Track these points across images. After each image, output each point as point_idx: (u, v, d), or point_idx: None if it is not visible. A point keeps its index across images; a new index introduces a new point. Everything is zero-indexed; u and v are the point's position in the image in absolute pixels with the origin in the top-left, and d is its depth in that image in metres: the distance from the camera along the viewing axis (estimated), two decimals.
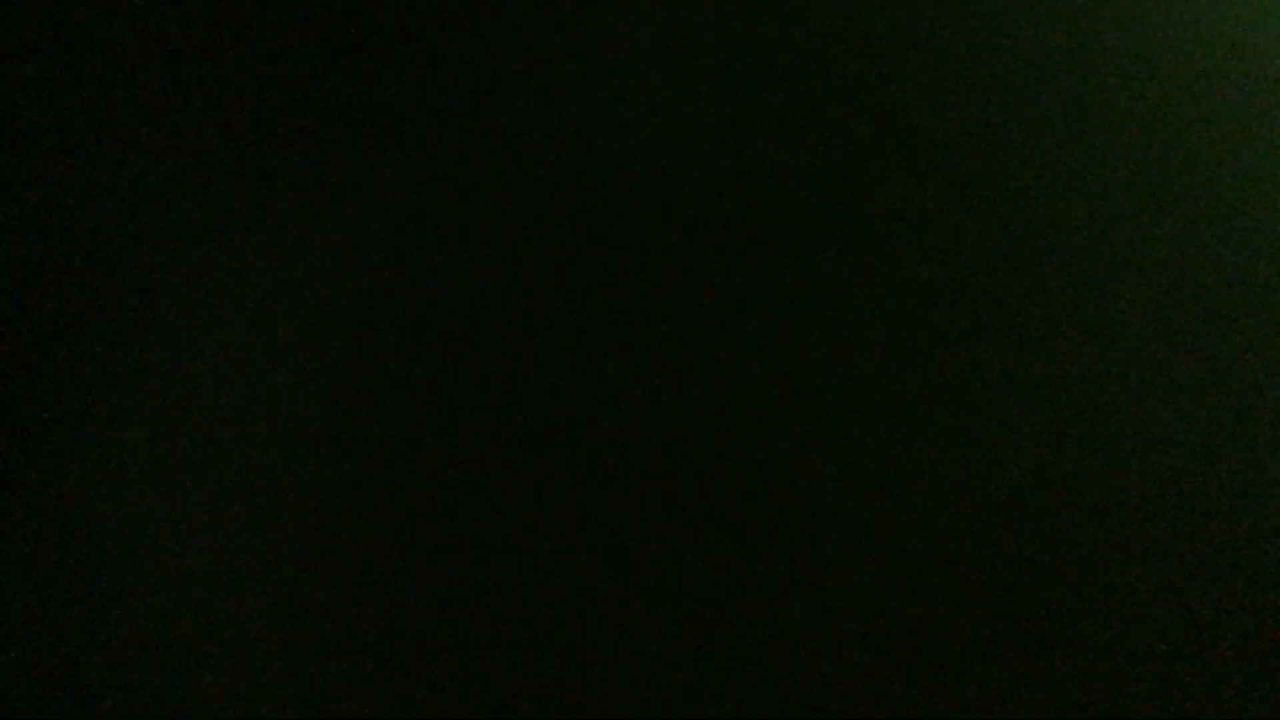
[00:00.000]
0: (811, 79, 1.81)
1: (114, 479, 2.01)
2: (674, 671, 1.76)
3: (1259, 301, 1.61)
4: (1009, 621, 1.64)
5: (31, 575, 2.01)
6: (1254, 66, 1.63)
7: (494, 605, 1.84)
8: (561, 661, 1.80)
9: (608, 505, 1.82)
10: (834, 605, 1.71)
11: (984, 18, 1.74)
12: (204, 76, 2.07)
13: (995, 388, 1.69)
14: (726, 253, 1.82)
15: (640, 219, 1.86)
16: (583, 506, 1.83)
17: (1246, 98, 1.63)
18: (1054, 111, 1.70)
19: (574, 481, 1.83)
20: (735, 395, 1.79)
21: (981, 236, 1.71)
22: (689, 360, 1.81)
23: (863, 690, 1.68)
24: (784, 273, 1.79)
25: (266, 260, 2.01)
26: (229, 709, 1.91)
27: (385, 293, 1.95)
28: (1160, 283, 1.65)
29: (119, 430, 2.02)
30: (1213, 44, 1.65)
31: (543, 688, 1.80)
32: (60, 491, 2.03)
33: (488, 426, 1.88)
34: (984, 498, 1.67)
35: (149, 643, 1.96)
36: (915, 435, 1.70)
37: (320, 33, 2.04)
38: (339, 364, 1.96)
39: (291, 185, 2.02)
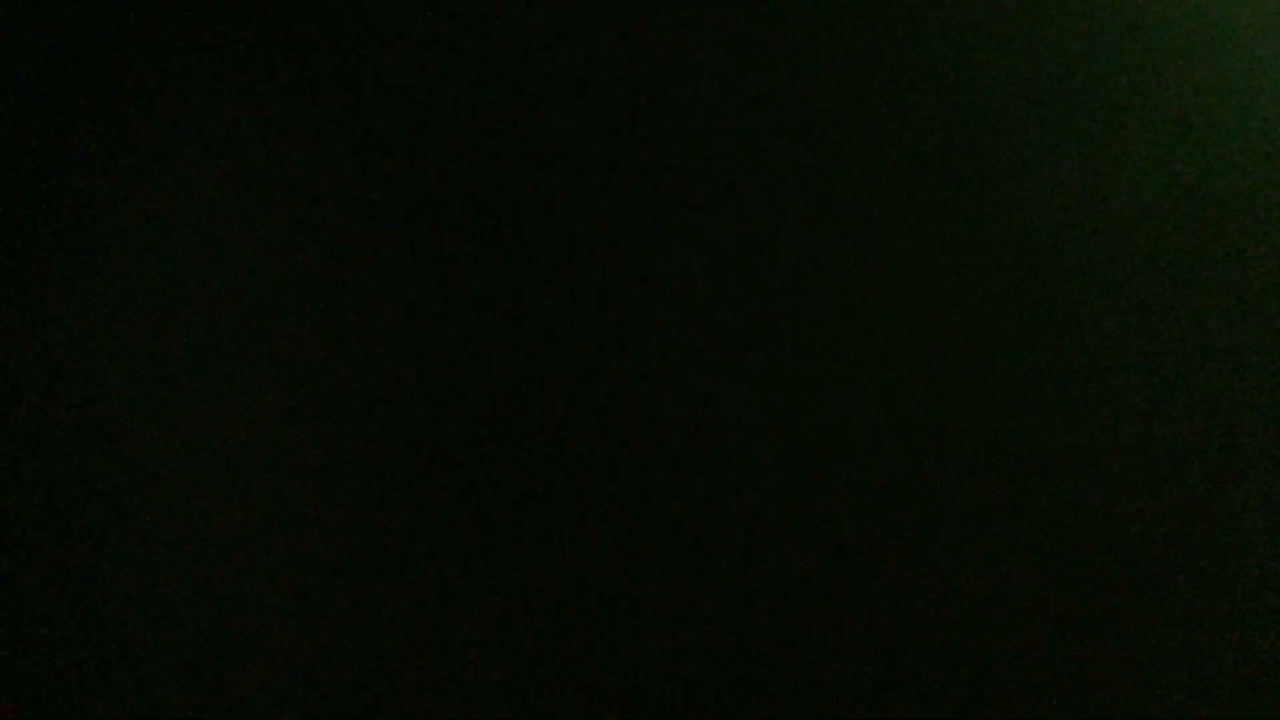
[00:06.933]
0: (816, 76, 1.81)
1: (107, 477, 2.02)
2: (670, 670, 1.76)
3: (1259, 301, 1.61)
4: (1010, 624, 1.64)
5: (30, 575, 2.02)
6: (1255, 66, 1.63)
7: (491, 603, 1.85)
8: (558, 660, 1.81)
9: (605, 501, 1.82)
10: (836, 604, 1.71)
11: (985, 18, 1.74)
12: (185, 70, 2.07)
13: (996, 386, 1.69)
14: (728, 251, 1.82)
15: (639, 215, 1.86)
16: (580, 501, 1.83)
17: (1248, 98, 1.63)
18: (1056, 110, 1.71)
19: (570, 477, 1.84)
20: (736, 393, 1.79)
21: (980, 236, 1.71)
22: (691, 357, 1.82)
23: (859, 689, 1.68)
24: (784, 269, 1.79)
25: (258, 255, 2.01)
26: (227, 709, 1.92)
27: (384, 290, 1.96)
28: (1161, 281, 1.65)
29: (111, 428, 2.03)
30: (1215, 44, 1.65)
31: (540, 687, 1.81)
32: (56, 492, 2.03)
33: (483, 426, 1.88)
34: (985, 495, 1.67)
35: (146, 643, 1.96)
36: (917, 437, 1.70)
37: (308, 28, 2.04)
38: (333, 362, 1.96)
39: (284, 177, 2.02)
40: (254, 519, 1.94)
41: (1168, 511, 1.60)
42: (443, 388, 1.90)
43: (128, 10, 2.04)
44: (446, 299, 1.91)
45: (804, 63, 1.81)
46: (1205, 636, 1.57)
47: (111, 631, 1.96)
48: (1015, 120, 1.71)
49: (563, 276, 1.87)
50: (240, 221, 2.02)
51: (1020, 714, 1.62)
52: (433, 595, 1.86)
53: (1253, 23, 1.62)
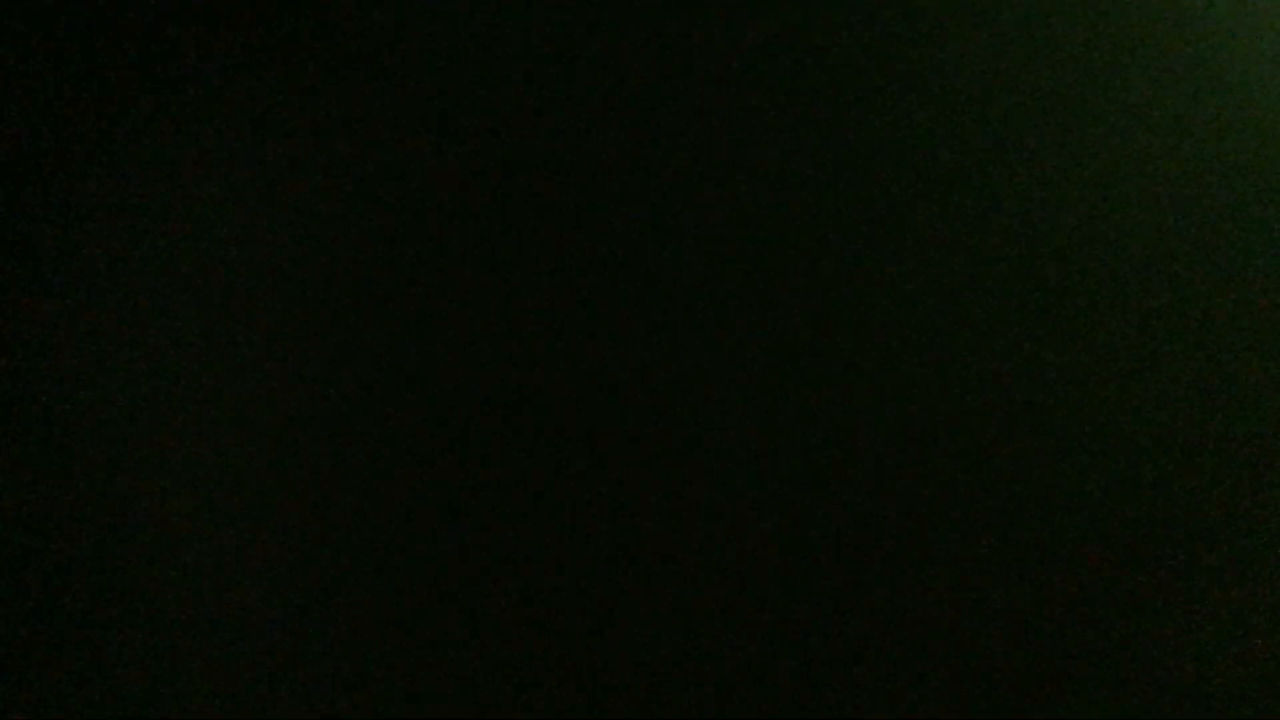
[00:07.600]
0: (816, 76, 1.81)
1: (107, 474, 2.01)
2: (669, 671, 1.76)
3: (1259, 302, 1.61)
4: (1014, 623, 1.64)
5: (29, 574, 2.01)
6: (1255, 67, 1.63)
7: (490, 604, 1.84)
8: (558, 661, 1.80)
9: (604, 501, 1.82)
10: (840, 602, 1.71)
11: (987, 18, 1.74)
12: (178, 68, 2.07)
13: (997, 386, 1.69)
14: (733, 253, 1.82)
15: (639, 214, 1.86)
16: (580, 501, 1.83)
17: (1248, 99, 1.63)
18: (1057, 111, 1.71)
19: (569, 477, 1.83)
20: (736, 393, 1.79)
21: (981, 236, 1.71)
22: (691, 357, 1.81)
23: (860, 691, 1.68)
24: (784, 269, 1.79)
25: (257, 251, 2.01)
26: (226, 709, 1.91)
27: (380, 288, 1.95)
28: (1163, 281, 1.65)
29: (111, 426, 2.03)
30: (1216, 44, 1.65)
31: (540, 688, 1.80)
32: (55, 490, 2.03)
33: (482, 426, 1.88)
34: (985, 495, 1.67)
35: (145, 643, 1.96)
36: (917, 437, 1.70)
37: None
38: (332, 359, 1.96)
39: (282, 174, 2.02)
40: (252, 519, 1.94)
41: (1169, 511, 1.60)
42: (442, 387, 1.90)
43: (126, 9, 2.03)
44: (445, 297, 1.91)
45: (805, 62, 1.80)
46: (1205, 636, 1.57)
47: (108, 632, 1.96)
48: (1016, 120, 1.71)
49: (562, 275, 1.87)
50: (238, 220, 2.02)
51: (1021, 713, 1.61)
52: (432, 595, 1.86)
53: (1253, 23, 1.62)
